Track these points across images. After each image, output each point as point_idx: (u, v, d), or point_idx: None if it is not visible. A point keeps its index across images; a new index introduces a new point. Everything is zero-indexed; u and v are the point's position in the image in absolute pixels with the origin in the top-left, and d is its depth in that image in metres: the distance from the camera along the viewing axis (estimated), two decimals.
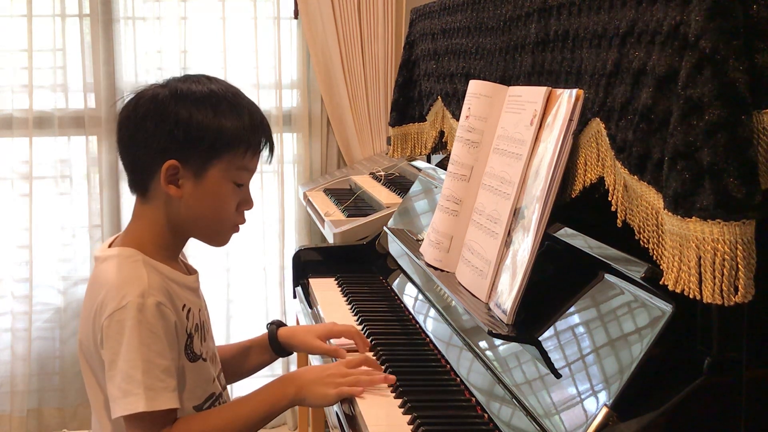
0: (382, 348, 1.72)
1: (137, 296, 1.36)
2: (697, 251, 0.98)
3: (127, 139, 1.45)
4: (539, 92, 1.47)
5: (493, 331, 1.36)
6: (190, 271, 1.54)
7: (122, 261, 1.42)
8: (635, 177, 1.15)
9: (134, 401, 1.34)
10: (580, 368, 1.23)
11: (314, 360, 1.86)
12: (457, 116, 1.99)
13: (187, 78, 1.47)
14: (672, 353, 1.11)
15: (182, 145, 1.41)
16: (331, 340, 1.75)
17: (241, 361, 1.73)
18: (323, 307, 2.11)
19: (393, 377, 1.54)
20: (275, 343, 1.73)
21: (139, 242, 1.45)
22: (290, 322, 3.55)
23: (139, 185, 1.46)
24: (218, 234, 1.50)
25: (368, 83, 3.63)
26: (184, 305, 1.44)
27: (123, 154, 1.47)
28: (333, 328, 1.76)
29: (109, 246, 1.48)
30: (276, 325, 1.75)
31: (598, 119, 1.29)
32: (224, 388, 1.56)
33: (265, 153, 1.49)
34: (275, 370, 3.62)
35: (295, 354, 1.90)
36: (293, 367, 3.55)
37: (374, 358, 1.68)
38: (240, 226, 1.51)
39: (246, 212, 1.52)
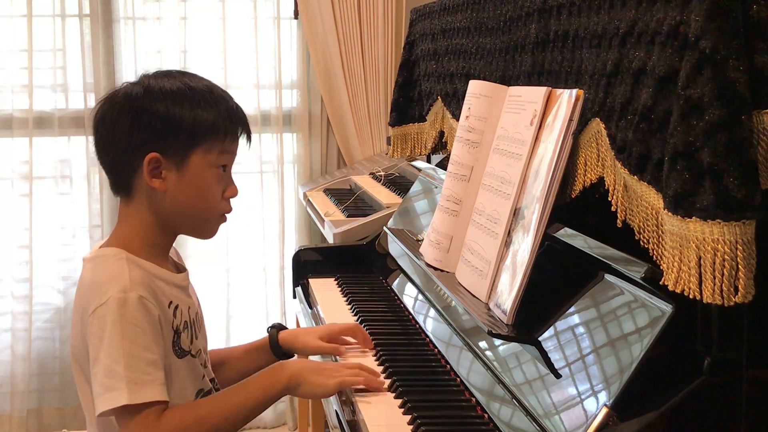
0: (382, 348, 1.72)
1: (118, 291, 1.37)
2: (697, 251, 0.98)
3: (105, 138, 1.45)
4: (539, 92, 1.47)
5: (493, 331, 1.36)
6: (180, 269, 1.53)
7: (105, 260, 1.43)
8: (635, 177, 1.15)
9: (116, 396, 1.34)
10: (580, 368, 1.23)
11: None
12: (457, 116, 1.99)
13: (159, 74, 1.48)
14: (672, 353, 1.11)
15: (161, 136, 1.42)
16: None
17: (241, 363, 1.73)
18: (323, 307, 2.11)
19: (384, 381, 1.54)
20: (276, 346, 1.73)
21: (126, 242, 1.45)
22: (290, 322, 3.56)
23: (122, 185, 1.47)
24: (206, 224, 1.50)
25: (368, 83, 3.63)
26: (171, 302, 1.44)
27: (102, 155, 1.47)
28: (333, 329, 1.76)
29: (100, 248, 1.49)
30: (277, 329, 1.75)
31: (598, 119, 1.29)
32: (217, 388, 1.55)
33: (242, 140, 1.50)
34: None
35: (295, 357, 1.89)
36: None
37: (374, 358, 1.68)
38: (227, 215, 1.51)
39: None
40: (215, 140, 1.45)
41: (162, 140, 1.42)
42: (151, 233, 1.47)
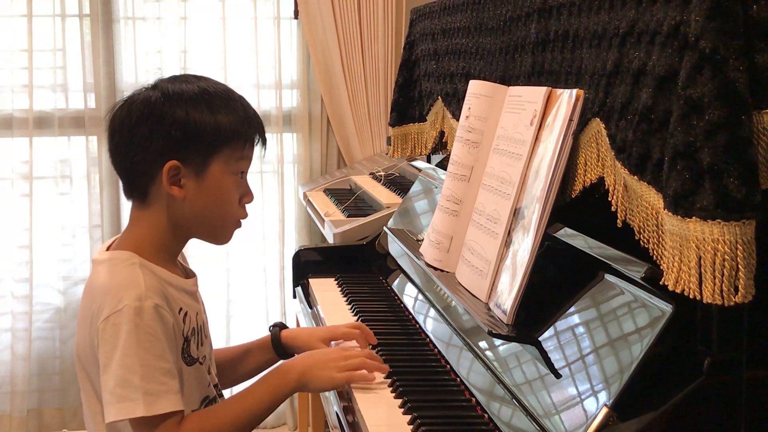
0: (382, 348, 1.72)
1: (134, 300, 1.35)
2: (697, 251, 0.98)
3: (123, 145, 1.43)
4: (539, 92, 1.47)
5: (493, 331, 1.36)
6: (189, 275, 1.53)
7: (118, 264, 1.41)
8: (635, 177, 1.15)
9: (132, 406, 1.33)
10: (580, 368, 1.23)
11: None
12: (457, 116, 1.99)
13: (175, 78, 1.47)
14: (672, 353, 1.11)
15: (181, 144, 1.41)
16: (332, 343, 1.76)
17: (243, 362, 1.73)
18: (323, 307, 2.11)
19: (386, 367, 1.57)
20: (278, 345, 1.73)
21: (137, 245, 1.44)
22: (290, 322, 3.56)
23: (137, 190, 1.45)
24: (222, 230, 1.50)
25: (368, 83, 3.63)
26: (181, 309, 1.44)
27: (118, 161, 1.45)
28: (335, 331, 1.76)
29: (108, 249, 1.48)
30: (279, 328, 1.75)
31: (598, 119, 1.29)
32: (220, 395, 1.56)
33: (258, 147, 1.50)
34: None
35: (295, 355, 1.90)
36: None
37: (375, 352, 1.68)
38: (242, 220, 1.51)
39: (247, 208, 1.52)
40: (235, 147, 1.44)
41: (182, 148, 1.41)
42: (164, 238, 1.46)
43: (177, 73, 1.61)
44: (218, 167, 1.43)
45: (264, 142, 1.51)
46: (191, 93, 1.43)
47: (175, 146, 1.41)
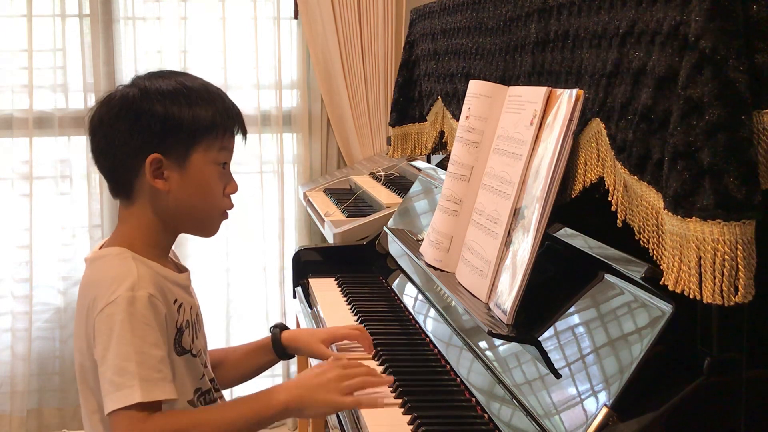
0: (382, 348, 1.72)
1: (127, 290, 1.36)
2: (697, 251, 0.98)
3: (104, 143, 1.45)
4: (539, 92, 1.47)
5: (493, 331, 1.36)
6: (181, 270, 1.54)
7: (111, 259, 1.43)
8: (635, 177, 1.15)
9: (129, 393, 1.33)
10: (580, 368, 1.23)
11: (315, 363, 1.85)
12: (457, 116, 1.99)
13: (152, 74, 1.48)
14: (672, 353, 1.11)
15: (161, 137, 1.42)
16: (334, 345, 1.75)
17: (244, 363, 1.73)
18: (323, 307, 2.11)
19: (391, 377, 1.54)
20: (279, 346, 1.73)
21: (128, 242, 1.45)
22: (290, 322, 3.57)
23: (122, 188, 1.46)
24: (208, 221, 1.51)
25: (368, 83, 3.63)
26: (176, 300, 1.45)
27: (101, 160, 1.47)
28: (336, 332, 1.76)
29: (100, 248, 1.48)
30: (279, 329, 1.75)
31: (598, 119, 1.29)
32: (217, 389, 1.55)
33: (238, 137, 1.51)
34: (275, 370, 3.62)
35: (296, 356, 1.90)
36: (294, 369, 3.55)
37: (373, 360, 1.68)
38: (228, 212, 1.52)
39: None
40: (215, 137, 1.45)
41: (162, 141, 1.42)
42: (153, 234, 1.47)
43: None
44: (199, 157, 1.44)
45: (244, 132, 1.52)
46: (169, 88, 1.44)
47: (155, 139, 1.42)
